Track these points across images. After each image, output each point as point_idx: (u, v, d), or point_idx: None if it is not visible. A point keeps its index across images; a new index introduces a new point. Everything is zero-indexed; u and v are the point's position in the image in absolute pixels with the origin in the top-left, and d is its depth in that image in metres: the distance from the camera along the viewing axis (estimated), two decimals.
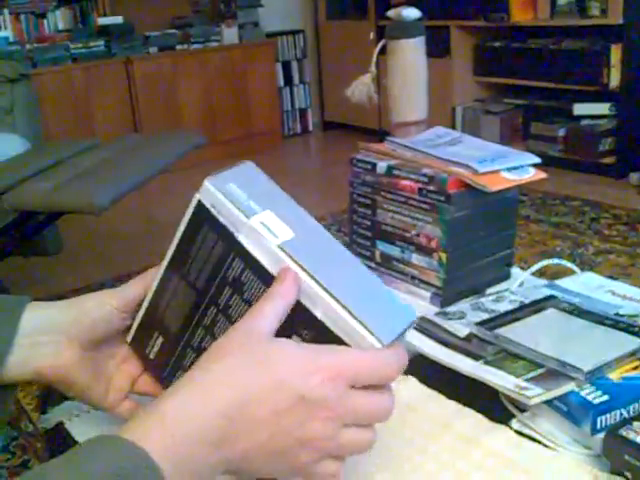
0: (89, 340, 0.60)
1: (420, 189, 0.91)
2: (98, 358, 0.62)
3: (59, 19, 4.35)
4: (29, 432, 1.82)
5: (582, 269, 0.97)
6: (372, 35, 4.53)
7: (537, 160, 0.92)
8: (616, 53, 3.57)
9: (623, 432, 0.56)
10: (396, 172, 0.94)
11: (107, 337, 0.62)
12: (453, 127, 4.27)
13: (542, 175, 0.92)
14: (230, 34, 4.64)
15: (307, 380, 0.46)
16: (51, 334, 0.59)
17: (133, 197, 2.64)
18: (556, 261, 0.98)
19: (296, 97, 5.26)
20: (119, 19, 4.34)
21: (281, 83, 5.13)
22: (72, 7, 4.38)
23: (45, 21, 4.31)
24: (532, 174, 0.91)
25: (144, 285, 0.61)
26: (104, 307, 0.60)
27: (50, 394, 0.77)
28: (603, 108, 3.76)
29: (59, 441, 0.71)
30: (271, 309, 0.48)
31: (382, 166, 0.96)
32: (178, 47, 4.50)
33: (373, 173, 0.97)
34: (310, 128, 5.35)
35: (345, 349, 0.48)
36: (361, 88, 1.27)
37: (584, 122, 3.81)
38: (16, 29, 4.18)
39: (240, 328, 0.48)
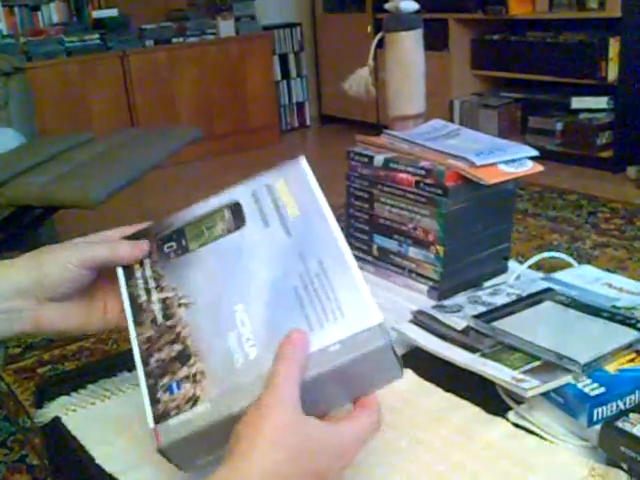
0: (60, 295, 0.60)
1: (417, 182, 0.90)
2: (78, 300, 0.62)
3: (53, 12, 4.33)
4: (27, 427, 1.82)
5: (579, 263, 0.97)
6: (369, 28, 4.52)
7: (535, 153, 0.92)
8: (614, 46, 3.57)
9: (619, 424, 0.56)
10: (393, 165, 0.94)
11: (76, 289, 0.61)
12: (451, 121, 4.26)
13: (540, 168, 0.91)
14: (226, 27, 4.62)
15: (333, 466, 0.50)
16: (20, 299, 0.59)
17: (129, 191, 2.63)
18: (553, 254, 0.98)
19: (293, 91, 5.25)
20: (114, 12, 4.32)
21: (278, 77, 5.12)
22: (67, 0, 4.36)
23: (39, 14, 4.29)
24: (530, 167, 0.91)
25: (110, 249, 0.61)
26: (65, 268, 0.59)
27: (46, 389, 0.77)
28: (601, 102, 3.75)
29: (56, 436, 0.71)
30: (287, 382, 0.49)
31: (379, 159, 0.96)
32: (174, 40, 4.48)
33: (370, 166, 0.97)
34: (308, 122, 5.34)
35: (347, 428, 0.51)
36: (359, 81, 1.26)
37: (582, 116, 3.81)
38: (10, 22, 4.16)
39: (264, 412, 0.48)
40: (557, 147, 3.85)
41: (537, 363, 0.66)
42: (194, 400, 0.52)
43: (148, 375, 0.55)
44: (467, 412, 0.66)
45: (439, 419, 0.66)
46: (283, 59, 5.14)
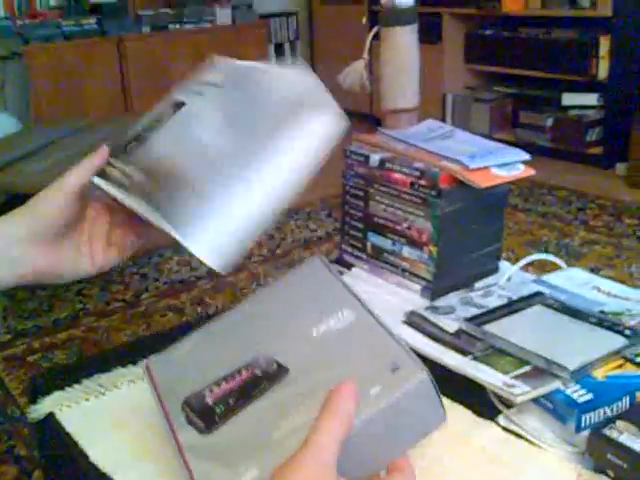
0: (54, 233, 0.64)
1: (412, 183, 0.91)
2: (68, 244, 0.66)
3: None
4: (16, 418, 1.81)
5: (568, 260, 0.99)
6: (365, 19, 4.50)
7: (527, 157, 0.93)
8: (605, 44, 3.59)
9: (607, 431, 0.57)
10: (389, 165, 0.94)
11: (67, 224, 0.65)
12: (443, 114, 4.27)
13: (531, 172, 0.93)
14: (223, 14, 4.59)
15: None
16: (19, 246, 0.63)
17: None
18: (543, 256, 0.99)
19: None
20: None
21: None
22: None
23: None
24: (521, 171, 0.92)
25: (79, 167, 0.64)
26: (53, 203, 0.63)
27: (39, 384, 0.77)
28: (591, 99, 3.77)
29: (50, 431, 0.71)
30: (328, 439, 0.46)
31: (375, 159, 0.96)
32: (171, 27, 4.45)
33: (366, 165, 0.98)
34: None
35: None
36: (353, 75, 1.26)
37: (572, 112, 3.82)
38: (7, 5, 4.12)
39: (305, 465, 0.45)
40: (547, 143, 3.87)
41: (527, 368, 0.67)
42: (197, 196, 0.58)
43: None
44: (458, 415, 0.67)
45: None
46: (279, 48, 5.13)
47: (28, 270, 0.64)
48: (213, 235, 0.57)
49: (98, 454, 0.64)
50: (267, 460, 0.49)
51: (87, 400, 0.73)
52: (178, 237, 0.56)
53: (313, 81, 0.62)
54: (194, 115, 0.65)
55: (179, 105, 0.67)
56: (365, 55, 1.21)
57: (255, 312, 0.64)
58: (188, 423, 0.55)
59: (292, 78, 0.64)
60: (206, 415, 0.55)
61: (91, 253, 0.67)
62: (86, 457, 0.64)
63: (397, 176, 0.93)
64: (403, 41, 1.11)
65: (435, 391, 0.51)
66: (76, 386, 0.75)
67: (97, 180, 0.65)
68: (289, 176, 0.60)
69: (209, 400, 0.56)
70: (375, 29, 1.13)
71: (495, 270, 1.00)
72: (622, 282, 0.91)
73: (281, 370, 0.56)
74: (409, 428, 0.52)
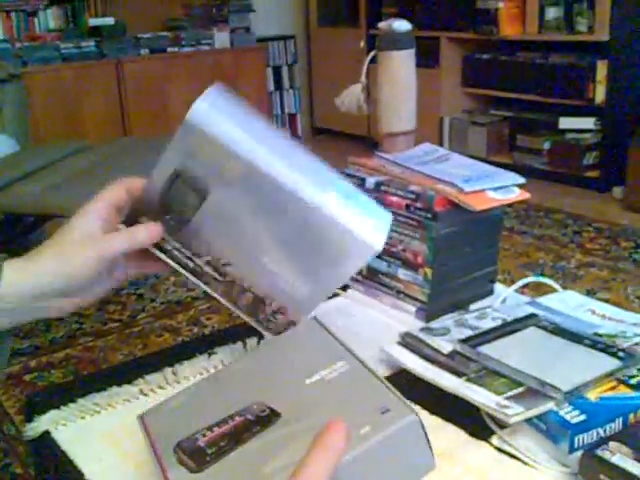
0: (84, 288, 0.64)
1: (407, 206, 0.92)
2: (99, 278, 0.65)
3: (50, 18, 4.33)
4: (11, 435, 1.81)
5: (564, 282, 0.99)
6: (362, 43, 4.55)
7: (522, 181, 0.94)
8: (602, 69, 3.63)
9: (599, 452, 0.58)
10: (384, 188, 0.96)
11: (96, 277, 0.64)
12: (440, 137, 4.30)
13: (526, 195, 0.94)
14: (222, 38, 4.65)
15: None
16: (48, 298, 0.63)
17: None
18: (539, 279, 1.00)
19: (286, 102, 5.28)
20: (110, 20, 4.33)
21: (271, 88, 5.14)
22: (63, 6, 4.36)
23: (36, 20, 4.29)
24: (517, 194, 0.93)
25: (128, 240, 0.65)
26: (89, 267, 0.63)
27: (35, 402, 0.77)
28: (588, 122, 3.81)
29: (46, 450, 0.71)
30: (320, 471, 0.46)
31: (371, 182, 0.97)
32: (169, 50, 4.50)
33: (362, 188, 0.99)
34: (300, 133, 5.37)
35: None
36: (351, 98, 1.28)
37: (569, 136, 3.86)
38: (6, 27, 4.16)
39: None
40: (544, 166, 3.90)
41: (520, 389, 0.67)
42: (293, 323, 0.65)
43: (244, 312, 0.67)
44: (451, 435, 0.68)
45: None
46: (277, 71, 5.18)
47: (51, 314, 0.65)
48: None
49: (93, 472, 0.65)
50: None
51: (83, 419, 0.74)
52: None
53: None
54: (231, 216, 0.67)
55: (194, 186, 0.66)
56: (363, 78, 1.22)
57: (249, 367, 0.65)
58: (179, 463, 0.56)
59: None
60: (197, 455, 0.55)
61: (111, 281, 0.68)
62: (81, 475, 0.65)
63: (393, 199, 0.94)
64: (400, 65, 1.12)
65: (424, 435, 0.52)
66: (72, 405, 0.76)
67: (158, 252, 0.68)
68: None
69: (201, 443, 0.56)
70: (372, 53, 1.15)
71: (490, 292, 1.00)
72: (618, 305, 0.92)
73: (273, 414, 0.57)
74: (397, 471, 0.53)
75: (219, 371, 0.69)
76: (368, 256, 0.68)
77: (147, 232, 0.66)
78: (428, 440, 0.52)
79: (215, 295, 0.69)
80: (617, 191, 3.59)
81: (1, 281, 0.60)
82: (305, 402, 0.57)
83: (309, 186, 0.66)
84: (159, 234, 0.66)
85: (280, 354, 0.65)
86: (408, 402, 0.53)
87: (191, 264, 0.68)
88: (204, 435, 0.57)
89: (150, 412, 0.63)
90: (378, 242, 0.67)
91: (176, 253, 0.68)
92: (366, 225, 0.68)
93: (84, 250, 0.63)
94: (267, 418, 0.56)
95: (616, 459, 0.57)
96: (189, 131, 0.65)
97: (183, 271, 0.68)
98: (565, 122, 3.87)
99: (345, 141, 4.89)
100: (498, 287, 1.01)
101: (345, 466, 0.49)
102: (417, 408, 0.73)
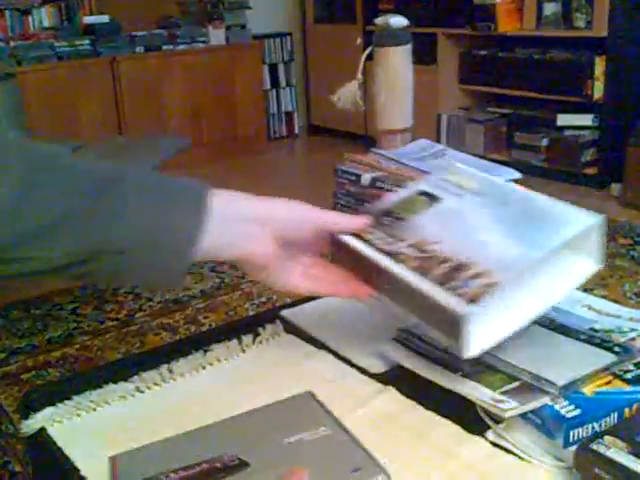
0: (281, 238, 0.67)
1: None
2: (287, 256, 0.69)
3: (44, 16, 4.32)
4: (10, 433, 1.81)
5: None
6: (359, 40, 4.55)
7: (518, 175, 0.94)
8: (600, 65, 3.62)
9: (594, 446, 0.57)
10: (380, 184, 0.95)
11: (294, 243, 0.69)
12: (438, 135, 4.30)
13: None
14: (217, 35, 4.64)
15: None
16: (254, 225, 0.65)
17: None
18: None
19: (282, 100, 5.27)
20: (105, 18, 4.32)
21: (267, 85, 5.14)
22: (58, 5, 4.35)
23: (30, 18, 4.28)
24: None
25: (336, 216, 0.73)
26: (292, 219, 0.68)
27: (31, 400, 0.77)
28: (586, 119, 3.81)
29: (41, 447, 0.71)
30: None
31: (366, 178, 0.97)
32: (164, 47, 4.49)
33: (357, 184, 0.98)
34: (296, 131, 5.36)
35: None
36: (347, 95, 1.28)
37: (567, 133, 3.86)
38: (0, 26, 4.15)
39: None
40: (542, 163, 3.90)
41: (516, 384, 0.67)
42: (493, 285, 0.61)
43: (434, 282, 0.63)
44: (446, 431, 0.68)
45: (419, 437, 0.67)
46: (273, 68, 5.17)
47: (256, 248, 0.66)
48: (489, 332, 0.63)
49: (89, 469, 0.64)
50: None
51: (78, 416, 0.73)
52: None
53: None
54: (457, 211, 0.72)
55: (430, 196, 0.75)
56: (359, 75, 1.22)
57: (235, 422, 0.66)
58: None
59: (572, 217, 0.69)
60: None
61: (291, 276, 0.71)
62: (77, 471, 0.64)
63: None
64: (397, 61, 1.12)
65: None
66: (67, 402, 0.75)
67: (350, 239, 0.71)
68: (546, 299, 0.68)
69: None
70: (369, 49, 1.15)
71: None
72: (615, 301, 0.92)
73: (241, 464, 0.57)
74: None
75: (201, 427, 0.67)
76: (586, 225, 0.68)
77: (353, 218, 0.73)
78: None
79: (402, 273, 0.67)
80: (615, 188, 3.59)
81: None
82: (278, 457, 0.58)
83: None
84: (365, 224, 0.72)
85: (268, 416, 0.66)
86: (380, 462, 0.55)
87: (388, 248, 0.69)
88: (167, 476, 0.57)
89: (122, 454, 0.63)
90: (598, 218, 0.68)
91: (377, 241, 0.71)
92: (582, 211, 0.70)
93: (298, 205, 0.68)
94: (235, 467, 0.57)
95: (611, 453, 0.57)
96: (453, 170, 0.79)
97: (374, 254, 0.69)
98: (563, 119, 3.87)
99: (342, 140, 4.89)
100: None
101: None
102: (412, 403, 0.73)
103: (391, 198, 0.77)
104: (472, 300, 0.60)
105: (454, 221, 0.71)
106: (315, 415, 0.64)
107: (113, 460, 0.62)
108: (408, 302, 0.68)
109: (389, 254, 0.68)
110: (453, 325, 0.60)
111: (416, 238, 0.69)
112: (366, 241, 0.71)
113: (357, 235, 0.71)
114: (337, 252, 0.74)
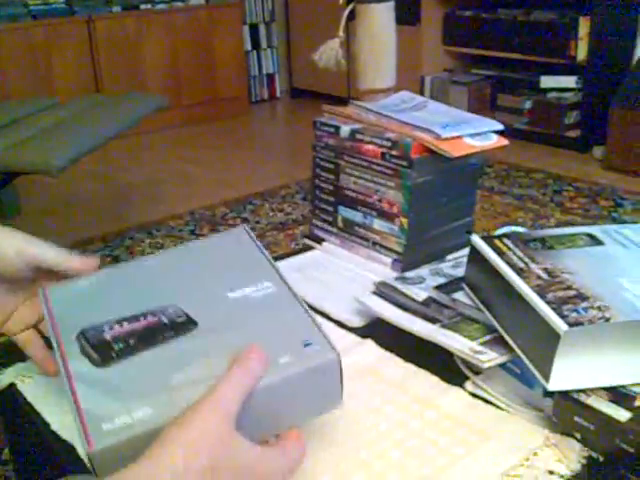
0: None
1: (383, 154, 0.90)
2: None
3: None
4: None
5: None
6: None
7: (500, 127, 0.92)
8: (585, 26, 3.59)
9: (574, 394, 0.57)
10: (359, 136, 0.93)
11: (9, 276, 0.62)
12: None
13: (504, 142, 0.92)
14: None
15: None
16: None
17: (93, 160, 2.57)
18: (513, 228, 0.99)
19: (264, 62, 5.18)
20: None
21: (249, 47, 5.05)
22: None
23: None
24: (495, 141, 0.91)
25: (63, 257, 0.62)
26: (17, 253, 0.60)
27: (1, 355, 0.75)
28: (569, 81, 3.78)
29: (12, 402, 0.70)
30: (231, 392, 0.47)
31: (345, 130, 0.95)
32: (142, 6, 4.38)
33: (336, 137, 0.96)
34: (278, 94, 5.29)
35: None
36: (329, 53, 1.25)
37: (550, 95, 3.83)
38: None
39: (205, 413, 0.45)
40: (525, 125, 3.88)
41: (495, 334, 0.66)
42: (606, 318, 0.58)
43: (549, 303, 0.61)
44: (426, 382, 0.67)
45: (398, 388, 0.66)
46: (254, 29, 5.07)
47: None
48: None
49: (58, 423, 0.63)
50: (161, 402, 0.48)
51: None
52: None
53: None
54: (612, 256, 0.70)
55: (593, 238, 0.73)
56: (341, 33, 1.19)
57: (172, 264, 0.61)
58: (82, 354, 0.53)
59: None
60: (102, 349, 0.52)
61: (9, 315, 0.65)
62: (47, 426, 0.64)
63: (368, 147, 0.92)
64: (379, 18, 1.09)
65: (340, 374, 0.52)
66: None
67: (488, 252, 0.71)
68: None
69: (107, 335, 0.53)
70: (351, 6, 1.11)
71: (466, 244, 0.99)
72: None
73: (189, 323, 0.54)
74: (307, 403, 0.53)
75: (138, 259, 0.64)
76: None
77: (81, 260, 0.63)
78: (342, 379, 0.53)
79: (519, 282, 0.64)
80: (597, 151, 3.58)
81: None
82: (225, 317, 0.55)
83: None
84: (93, 267, 0.63)
85: (203, 258, 0.62)
86: (330, 338, 0.53)
87: (520, 264, 0.67)
88: (111, 328, 0.54)
89: (55, 289, 0.59)
90: None
91: (514, 257, 0.69)
92: None
93: (18, 240, 0.62)
94: (183, 325, 0.54)
95: (590, 400, 0.56)
96: None
97: (502, 264, 0.68)
98: (546, 81, 3.84)
99: (324, 102, 4.82)
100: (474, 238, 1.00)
101: (259, 392, 0.49)
102: (392, 356, 0.72)
103: (556, 230, 0.75)
104: (577, 323, 0.57)
105: (603, 262, 0.69)
106: (255, 263, 0.60)
107: (44, 294, 0.59)
108: (510, 316, 0.65)
109: (517, 268, 0.66)
110: (547, 345, 0.57)
111: (552, 264, 0.67)
112: (502, 254, 0.69)
113: (496, 249, 0.71)
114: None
